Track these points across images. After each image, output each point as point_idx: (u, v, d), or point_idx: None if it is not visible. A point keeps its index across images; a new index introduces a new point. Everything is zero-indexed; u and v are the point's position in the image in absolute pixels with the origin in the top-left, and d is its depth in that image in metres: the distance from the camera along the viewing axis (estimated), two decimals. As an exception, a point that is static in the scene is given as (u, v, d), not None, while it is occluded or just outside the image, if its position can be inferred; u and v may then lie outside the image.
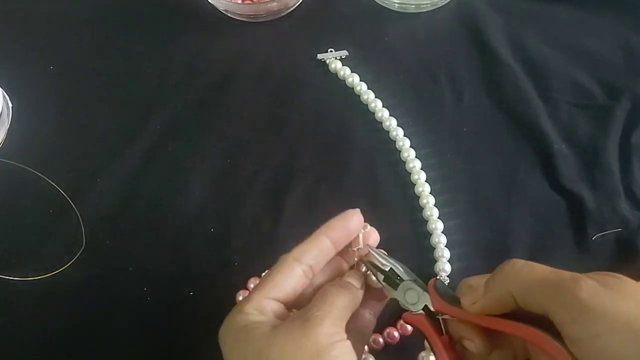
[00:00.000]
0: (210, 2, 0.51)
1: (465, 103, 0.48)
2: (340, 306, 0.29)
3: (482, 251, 0.41)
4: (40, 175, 0.44)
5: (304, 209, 0.43)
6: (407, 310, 0.31)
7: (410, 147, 0.45)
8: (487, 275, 0.29)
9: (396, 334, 0.38)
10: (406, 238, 0.42)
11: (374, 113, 0.47)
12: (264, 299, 0.30)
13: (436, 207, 0.42)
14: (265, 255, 0.41)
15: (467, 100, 0.48)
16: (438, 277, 0.31)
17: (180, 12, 0.53)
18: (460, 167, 0.45)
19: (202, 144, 0.46)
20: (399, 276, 0.32)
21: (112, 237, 0.42)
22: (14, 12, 0.54)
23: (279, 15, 0.52)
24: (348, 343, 0.28)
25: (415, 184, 0.44)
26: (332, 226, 0.33)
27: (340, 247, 0.33)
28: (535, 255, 0.41)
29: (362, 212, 0.43)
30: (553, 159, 0.44)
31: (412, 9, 0.52)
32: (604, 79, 0.48)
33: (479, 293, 0.28)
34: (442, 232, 0.41)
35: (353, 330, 0.31)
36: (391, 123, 0.46)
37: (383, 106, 0.47)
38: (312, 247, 0.32)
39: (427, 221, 0.42)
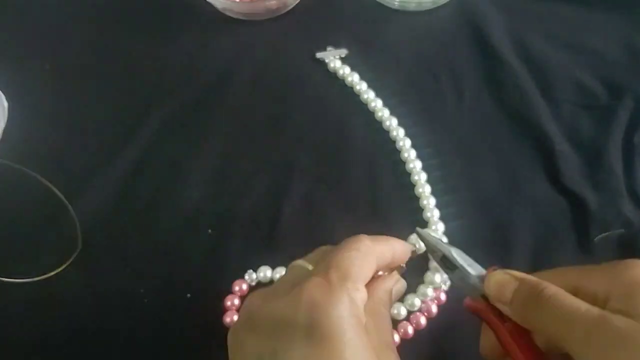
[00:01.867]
0: (209, 0, 0.50)
1: (466, 103, 0.47)
2: None
3: (484, 252, 0.40)
4: (36, 175, 0.43)
5: (303, 210, 0.42)
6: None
7: (411, 147, 0.45)
8: (515, 274, 0.28)
9: (410, 329, 0.38)
10: (406, 239, 0.41)
11: (374, 113, 0.47)
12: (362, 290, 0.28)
13: (437, 208, 0.42)
14: (264, 256, 0.40)
15: (468, 99, 0.47)
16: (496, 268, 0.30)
17: (178, 11, 0.53)
18: (461, 168, 0.44)
19: (200, 144, 0.46)
20: (451, 263, 0.30)
21: (108, 238, 0.41)
22: (9, 10, 0.54)
23: (278, 14, 0.52)
24: None
25: (415, 185, 0.43)
26: (398, 244, 0.32)
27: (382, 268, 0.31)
28: (537, 256, 0.40)
29: (362, 214, 0.42)
30: (555, 159, 0.44)
31: (412, 7, 0.52)
32: (606, 79, 0.48)
33: (505, 298, 0.28)
34: (443, 233, 0.41)
35: None
36: (391, 123, 0.46)
37: (383, 105, 0.47)
38: (385, 246, 0.30)
39: (428, 222, 0.41)
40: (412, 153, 0.44)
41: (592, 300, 0.26)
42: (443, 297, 0.39)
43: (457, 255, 0.31)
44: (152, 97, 0.48)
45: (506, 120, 0.46)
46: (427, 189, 0.43)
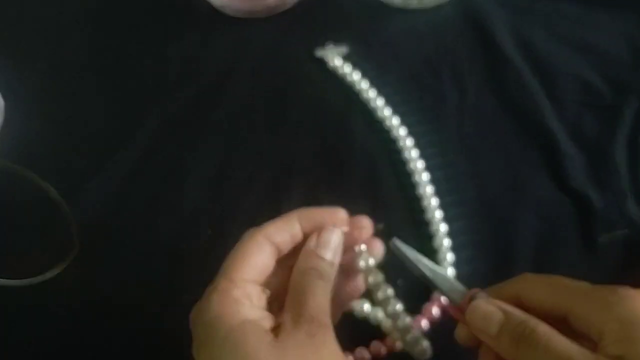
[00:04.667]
0: (207, -2, 0.50)
1: (469, 101, 0.47)
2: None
3: (487, 253, 0.40)
4: (33, 175, 0.43)
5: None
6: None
7: (413, 146, 0.44)
8: (500, 305, 0.28)
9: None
10: (408, 241, 0.41)
11: (374, 111, 0.46)
12: (248, 283, 0.28)
13: (440, 208, 0.41)
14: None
15: (471, 98, 0.47)
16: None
17: (176, 9, 0.52)
18: (464, 168, 0.44)
19: (199, 144, 0.45)
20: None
21: (106, 239, 0.41)
22: (6, 9, 0.54)
23: (277, 12, 0.52)
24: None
25: (417, 185, 0.43)
26: (308, 214, 0.32)
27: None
28: (541, 257, 0.40)
29: (363, 213, 0.42)
30: (559, 158, 0.43)
31: (414, 5, 0.52)
32: (611, 77, 0.47)
33: (491, 332, 0.28)
34: (445, 234, 0.40)
35: None
36: (392, 122, 0.45)
37: (384, 104, 0.46)
38: (281, 227, 0.31)
39: (430, 223, 0.41)
40: (414, 153, 0.44)
41: (586, 329, 0.26)
42: (443, 299, 0.38)
43: (430, 273, 0.32)
44: (151, 96, 0.48)
45: (510, 119, 0.46)
46: (430, 189, 0.42)
